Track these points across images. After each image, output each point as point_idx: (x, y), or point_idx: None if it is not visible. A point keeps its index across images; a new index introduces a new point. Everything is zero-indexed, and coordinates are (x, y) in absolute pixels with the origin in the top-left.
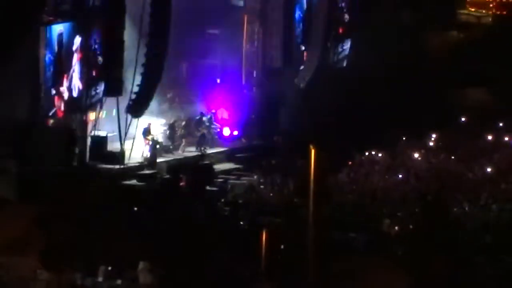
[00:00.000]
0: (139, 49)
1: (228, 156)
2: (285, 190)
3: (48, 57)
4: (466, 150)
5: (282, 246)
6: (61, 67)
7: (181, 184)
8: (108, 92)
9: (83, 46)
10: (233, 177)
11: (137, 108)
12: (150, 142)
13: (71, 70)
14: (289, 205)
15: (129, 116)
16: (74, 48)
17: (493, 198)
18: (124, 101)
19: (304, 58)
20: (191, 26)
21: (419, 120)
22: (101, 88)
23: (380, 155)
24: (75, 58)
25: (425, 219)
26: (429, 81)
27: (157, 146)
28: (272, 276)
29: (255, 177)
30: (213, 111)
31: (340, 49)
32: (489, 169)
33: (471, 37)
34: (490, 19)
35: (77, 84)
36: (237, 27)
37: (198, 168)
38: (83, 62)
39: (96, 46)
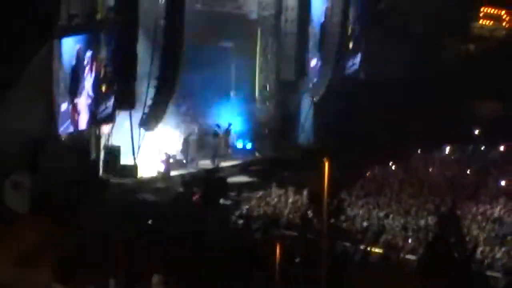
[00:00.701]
0: (152, 62)
1: (241, 169)
2: (299, 203)
3: (62, 71)
4: (480, 163)
5: (296, 259)
6: (74, 81)
7: (195, 197)
8: (120, 106)
9: (94, 60)
10: (247, 190)
11: (151, 121)
12: (164, 156)
13: (84, 84)
14: (303, 218)
15: (143, 129)
16: (85, 61)
17: (508, 211)
18: (137, 114)
19: (317, 71)
20: (205, 39)
21: (433, 133)
22: (113, 101)
23: (394, 168)
24: (87, 71)
25: (440, 232)
26: (442, 93)
27: (171, 160)
28: None
29: (268, 190)
30: (227, 123)
31: (351, 63)
32: (503, 183)
33: (485, 50)
34: (504, 32)
35: (89, 97)
36: (251, 40)
37: (211, 182)
38: (95, 75)
39: (108, 60)
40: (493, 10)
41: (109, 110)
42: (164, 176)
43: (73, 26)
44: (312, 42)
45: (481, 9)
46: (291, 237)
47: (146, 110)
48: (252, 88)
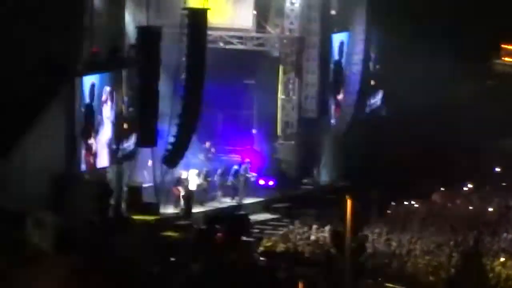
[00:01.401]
0: (174, 99)
1: (264, 207)
2: (321, 241)
3: (83, 108)
4: (500, 200)
5: None
6: (95, 118)
7: (218, 234)
8: (141, 143)
9: (115, 97)
10: (269, 227)
11: (172, 158)
12: (185, 193)
13: (104, 122)
14: (325, 255)
15: (165, 166)
16: (103, 98)
17: None
18: (158, 151)
19: (339, 108)
20: (227, 76)
21: (455, 169)
22: (134, 138)
23: (416, 205)
24: (107, 109)
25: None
26: (464, 130)
27: (193, 197)
28: None
29: (291, 227)
30: (248, 160)
31: (372, 101)
32: None
33: (506, 86)
34: None
35: (110, 135)
36: (273, 77)
37: (234, 219)
38: (115, 113)
39: (127, 98)
40: None
41: (131, 147)
42: (186, 213)
43: (96, 64)
44: (334, 80)
45: (502, 46)
46: (314, 275)
47: (168, 147)
48: (274, 125)
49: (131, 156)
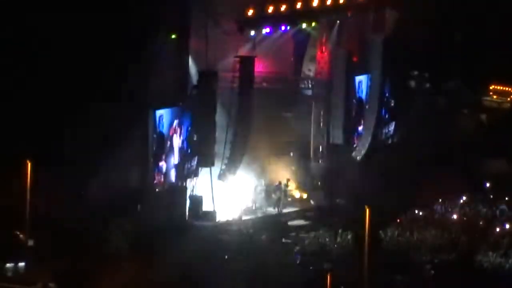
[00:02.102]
0: (228, 129)
1: (299, 215)
2: (345, 242)
3: (153, 136)
4: (489, 210)
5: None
6: (165, 144)
7: (263, 237)
8: (202, 164)
9: (181, 127)
10: (303, 231)
11: (226, 175)
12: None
13: (173, 147)
14: (349, 254)
15: (220, 181)
16: (173, 129)
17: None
18: (216, 170)
19: (360, 136)
20: (271, 110)
21: (453, 184)
22: (196, 160)
23: (421, 213)
24: (175, 137)
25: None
26: (460, 153)
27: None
28: None
29: (321, 231)
30: (288, 178)
31: (386, 130)
32: (507, 225)
33: (494, 118)
34: (509, 105)
35: (178, 157)
36: (306, 111)
37: (276, 224)
38: (182, 139)
39: (192, 127)
40: (500, 86)
41: (194, 167)
42: (238, 220)
43: (166, 100)
44: (356, 113)
45: (490, 87)
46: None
47: (223, 166)
48: (308, 149)
49: (194, 174)
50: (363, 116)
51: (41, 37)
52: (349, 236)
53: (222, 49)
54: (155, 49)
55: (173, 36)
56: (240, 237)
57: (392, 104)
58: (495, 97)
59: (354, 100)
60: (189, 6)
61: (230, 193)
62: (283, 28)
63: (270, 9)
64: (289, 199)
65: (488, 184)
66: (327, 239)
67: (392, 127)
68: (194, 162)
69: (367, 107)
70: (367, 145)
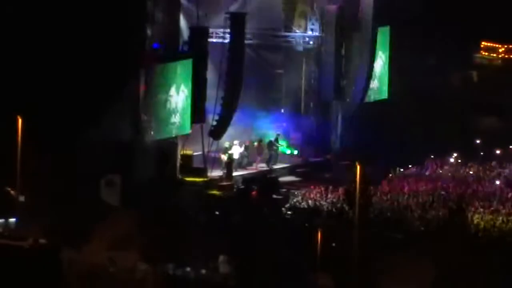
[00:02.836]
0: (219, 86)
1: (290, 171)
2: (336, 198)
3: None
4: (480, 167)
5: (333, 243)
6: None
7: (253, 193)
8: (194, 120)
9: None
10: (294, 187)
11: (217, 132)
12: (227, 159)
13: (168, 102)
14: (339, 210)
15: (211, 138)
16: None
17: (502, 204)
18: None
19: (350, 93)
20: (261, 66)
21: (444, 141)
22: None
23: (412, 169)
24: (166, 92)
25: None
26: (451, 110)
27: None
28: (325, 267)
29: (312, 187)
30: (279, 133)
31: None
32: (497, 182)
33: (484, 75)
34: (500, 61)
35: (167, 113)
36: (298, 67)
37: (266, 181)
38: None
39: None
40: (491, 43)
41: (186, 123)
42: (228, 176)
43: (156, 57)
44: (346, 70)
45: (481, 43)
46: (329, 225)
47: (214, 123)
48: (299, 105)
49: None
50: (354, 72)
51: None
52: (340, 192)
53: (213, 5)
54: (146, 5)
55: None
56: (231, 193)
57: (383, 61)
58: (485, 54)
59: (343, 57)
60: None
61: (220, 150)
62: None
63: None
64: (280, 155)
65: (478, 141)
66: (317, 195)
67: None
68: (186, 118)
69: (358, 62)
70: (358, 101)
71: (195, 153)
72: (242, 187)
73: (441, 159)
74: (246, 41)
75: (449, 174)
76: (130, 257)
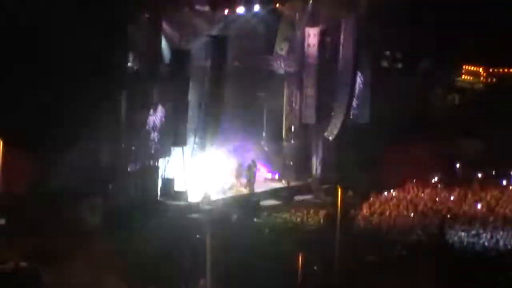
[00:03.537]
0: (200, 108)
1: (271, 194)
2: (317, 222)
3: (125, 115)
4: (461, 191)
5: (315, 267)
6: (135, 123)
7: (234, 217)
8: (174, 143)
9: (152, 106)
10: (275, 211)
11: (198, 154)
12: (209, 183)
13: (148, 126)
14: (319, 233)
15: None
16: (145, 107)
17: (483, 228)
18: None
19: (332, 116)
20: (243, 89)
21: (425, 164)
22: (170, 140)
23: (393, 193)
24: (148, 116)
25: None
26: (432, 133)
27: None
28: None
29: (293, 211)
30: (259, 157)
31: (359, 110)
32: (479, 206)
33: (466, 99)
34: (481, 85)
35: (149, 137)
36: (279, 91)
37: (247, 204)
38: (156, 119)
39: (165, 107)
40: (473, 67)
41: (166, 147)
42: (209, 200)
43: (138, 79)
44: (327, 93)
45: (463, 67)
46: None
47: (195, 145)
48: (280, 129)
49: (166, 154)
50: (335, 96)
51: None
52: (321, 216)
53: (195, 28)
54: (128, 29)
55: (147, 16)
56: (212, 216)
57: (365, 84)
58: (467, 77)
59: (326, 80)
60: None
61: (202, 173)
62: (256, 7)
63: None
64: (261, 178)
65: (459, 164)
66: (298, 219)
67: (364, 107)
68: (167, 141)
69: (339, 86)
70: (339, 125)
71: (176, 176)
72: (223, 210)
73: (423, 182)
74: (227, 64)
75: (430, 197)
76: (111, 276)
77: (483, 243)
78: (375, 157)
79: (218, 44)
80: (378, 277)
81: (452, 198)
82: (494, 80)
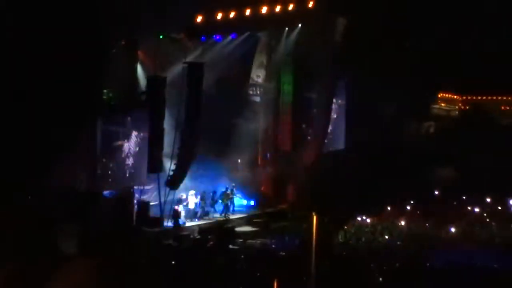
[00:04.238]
0: (176, 135)
1: (246, 221)
2: (293, 248)
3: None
4: (437, 217)
5: None
6: (111, 150)
7: (209, 243)
8: (150, 170)
9: (128, 133)
10: (251, 237)
11: (174, 182)
12: (182, 210)
13: (122, 152)
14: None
15: (168, 188)
16: (120, 134)
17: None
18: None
19: (309, 143)
20: (219, 115)
21: (401, 192)
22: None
23: (368, 220)
24: (123, 142)
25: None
26: (408, 160)
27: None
28: None
29: (268, 238)
30: (234, 184)
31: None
32: (453, 229)
33: (442, 126)
34: (457, 112)
35: (125, 163)
36: (255, 117)
37: (223, 231)
38: (131, 145)
39: (142, 134)
40: (448, 94)
41: (142, 173)
42: (186, 226)
43: (114, 106)
44: (303, 120)
45: (439, 94)
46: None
47: (171, 173)
48: (256, 155)
49: (142, 180)
50: (311, 123)
51: None
52: (296, 243)
53: (171, 55)
54: (104, 56)
55: (122, 43)
56: (187, 243)
57: (340, 111)
58: (443, 105)
59: (302, 107)
60: (138, 14)
61: (176, 199)
62: (231, 35)
63: (219, 15)
64: (236, 205)
65: (436, 192)
66: (273, 246)
67: (340, 134)
68: (143, 168)
69: (315, 114)
70: (315, 151)
71: (152, 203)
72: (198, 237)
73: (398, 210)
74: (203, 90)
75: (406, 224)
76: None
77: (460, 266)
78: (351, 183)
79: (194, 71)
80: None
81: (427, 224)
82: (468, 107)
